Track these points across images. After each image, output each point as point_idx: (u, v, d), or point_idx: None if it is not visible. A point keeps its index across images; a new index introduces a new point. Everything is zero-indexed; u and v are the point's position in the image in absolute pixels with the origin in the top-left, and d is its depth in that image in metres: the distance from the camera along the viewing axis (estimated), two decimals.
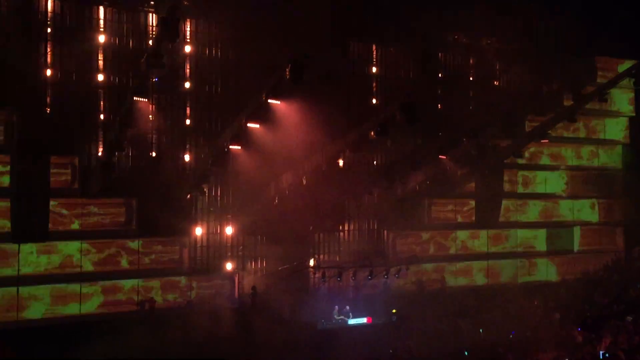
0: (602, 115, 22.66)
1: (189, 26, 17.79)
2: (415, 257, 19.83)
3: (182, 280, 17.18)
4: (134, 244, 16.75)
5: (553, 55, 19.46)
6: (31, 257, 15.62)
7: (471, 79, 21.19)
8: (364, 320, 17.74)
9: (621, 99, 22.70)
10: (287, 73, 13.52)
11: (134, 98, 14.30)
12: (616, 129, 23.22)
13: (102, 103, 16.98)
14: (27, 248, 15.55)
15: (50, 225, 15.63)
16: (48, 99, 16.33)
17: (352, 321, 17.60)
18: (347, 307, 17.92)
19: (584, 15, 18.77)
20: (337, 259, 19.33)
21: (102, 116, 16.97)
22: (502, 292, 19.31)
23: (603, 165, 23.09)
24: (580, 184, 22.64)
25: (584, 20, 18.76)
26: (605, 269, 21.30)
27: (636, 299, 16.17)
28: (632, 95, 22.80)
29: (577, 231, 22.56)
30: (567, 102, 20.51)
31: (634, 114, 23.08)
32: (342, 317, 17.37)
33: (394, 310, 18.28)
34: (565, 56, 19.65)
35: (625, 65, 21.17)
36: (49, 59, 16.26)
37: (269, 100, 14.09)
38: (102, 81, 16.85)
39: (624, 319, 14.14)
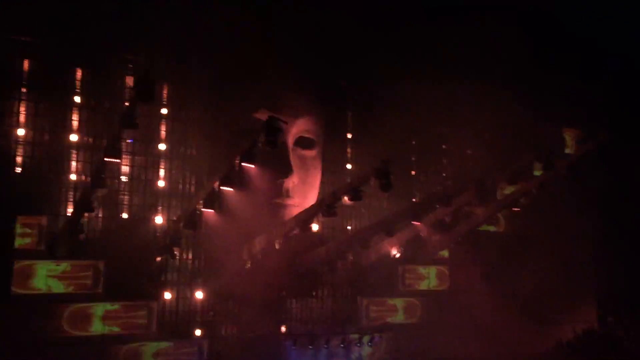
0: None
1: (166, 88, 17.93)
2: (388, 325, 19.52)
3: (150, 346, 16.58)
4: (100, 309, 16.20)
5: (524, 126, 19.92)
6: None
7: (444, 146, 21.55)
8: None
9: None
10: (263, 137, 13.58)
11: (106, 159, 14.18)
12: None
13: (74, 163, 16.83)
14: None
15: (12, 287, 15.13)
16: (19, 158, 16.14)
17: None
18: None
19: (555, 88, 19.41)
20: (310, 325, 18.94)
21: (73, 176, 16.77)
22: None
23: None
24: None
25: (555, 92, 19.38)
26: (579, 338, 21.18)
27: None
28: None
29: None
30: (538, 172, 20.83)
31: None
32: None
33: None
34: (536, 126, 20.14)
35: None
36: (22, 119, 16.17)
37: (243, 164, 14.06)
38: (75, 141, 16.76)
39: None
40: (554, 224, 22.54)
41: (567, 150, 21.84)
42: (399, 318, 20.16)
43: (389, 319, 19.88)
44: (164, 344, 16.49)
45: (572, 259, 22.98)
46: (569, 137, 22.46)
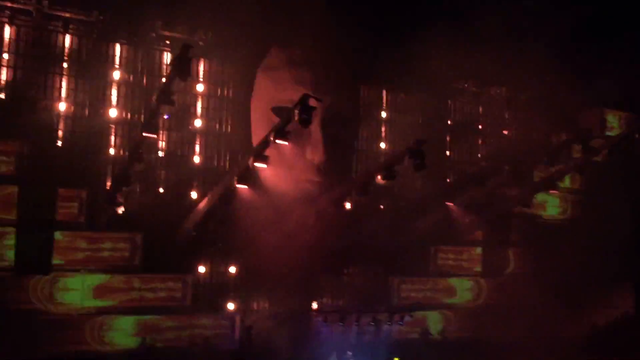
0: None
1: (202, 65, 18.10)
2: (419, 304, 19.57)
3: (184, 318, 16.98)
4: (136, 280, 16.63)
5: (563, 106, 19.54)
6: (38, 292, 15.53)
7: (480, 126, 21.28)
8: None
9: None
10: (296, 114, 13.62)
11: (144, 134, 14.43)
12: None
13: (113, 138, 17.18)
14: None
15: (53, 258, 15.62)
16: (60, 132, 16.55)
17: None
18: (349, 353, 17.66)
19: (596, 68, 18.93)
20: (341, 303, 19.11)
21: (112, 151, 17.14)
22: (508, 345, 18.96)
23: None
24: None
25: (595, 72, 18.90)
26: (612, 323, 20.93)
27: None
28: None
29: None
30: (576, 154, 20.47)
31: None
32: None
33: (396, 359, 18.01)
34: (574, 107, 19.74)
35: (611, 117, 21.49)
36: (63, 93, 16.54)
37: (277, 141, 14.15)
38: (114, 116, 17.09)
39: None
40: (594, 208, 22.19)
41: (612, 133, 21.37)
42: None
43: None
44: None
45: (611, 243, 22.57)
46: (615, 118, 22.02)
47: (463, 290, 20.42)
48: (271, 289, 17.95)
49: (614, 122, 22.37)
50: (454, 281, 20.37)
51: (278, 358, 16.20)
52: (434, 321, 19.67)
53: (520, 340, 18.87)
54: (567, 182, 20.75)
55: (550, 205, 21.70)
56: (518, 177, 18.54)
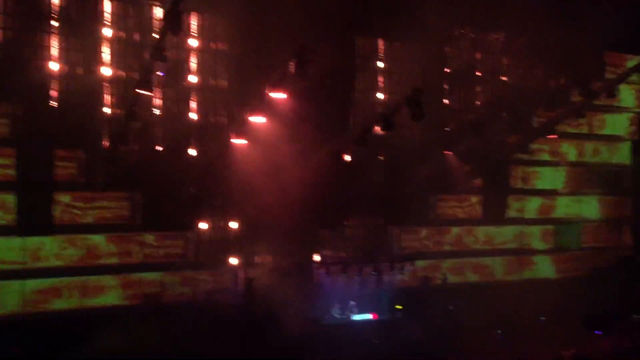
0: (608, 111, 22.57)
1: (195, 20, 17.76)
2: (420, 253, 19.77)
3: (187, 274, 17.17)
4: (138, 238, 16.75)
5: (561, 50, 19.28)
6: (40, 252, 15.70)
7: (478, 73, 21.05)
8: (369, 316, 17.75)
9: (627, 94, 22.61)
10: (292, 67, 13.45)
11: (139, 91, 14.27)
12: (621, 125, 23.12)
13: (108, 96, 16.99)
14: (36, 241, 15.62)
15: (54, 219, 15.68)
16: (54, 92, 16.37)
17: (356, 317, 17.60)
18: (352, 303, 17.93)
19: (593, 10, 18.55)
20: (342, 254, 19.28)
21: (108, 110, 16.98)
22: (503, 289, 19.32)
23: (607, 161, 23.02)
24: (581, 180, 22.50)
25: (592, 15, 18.54)
26: (611, 267, 21.18)
27: None
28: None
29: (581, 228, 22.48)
30: (575, 98, 20.35)
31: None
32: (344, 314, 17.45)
33: (399, 307, 18.30)
34: (573, 51, 19.47)
35: (634, 61, 21.13)
36: (55, 52, 16.27)
37: (273, 95, 14.02)
38: (108, 75, 16.86)
39: (630, 317, 14.06)
40: None
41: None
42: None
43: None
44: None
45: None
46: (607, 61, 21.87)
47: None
48: (273, 242, 18.06)
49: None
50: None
51: (281, 311, 16.43)
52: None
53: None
54: None
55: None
56: (517, 123, 18.45)
